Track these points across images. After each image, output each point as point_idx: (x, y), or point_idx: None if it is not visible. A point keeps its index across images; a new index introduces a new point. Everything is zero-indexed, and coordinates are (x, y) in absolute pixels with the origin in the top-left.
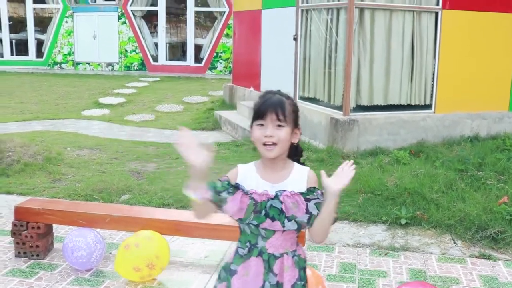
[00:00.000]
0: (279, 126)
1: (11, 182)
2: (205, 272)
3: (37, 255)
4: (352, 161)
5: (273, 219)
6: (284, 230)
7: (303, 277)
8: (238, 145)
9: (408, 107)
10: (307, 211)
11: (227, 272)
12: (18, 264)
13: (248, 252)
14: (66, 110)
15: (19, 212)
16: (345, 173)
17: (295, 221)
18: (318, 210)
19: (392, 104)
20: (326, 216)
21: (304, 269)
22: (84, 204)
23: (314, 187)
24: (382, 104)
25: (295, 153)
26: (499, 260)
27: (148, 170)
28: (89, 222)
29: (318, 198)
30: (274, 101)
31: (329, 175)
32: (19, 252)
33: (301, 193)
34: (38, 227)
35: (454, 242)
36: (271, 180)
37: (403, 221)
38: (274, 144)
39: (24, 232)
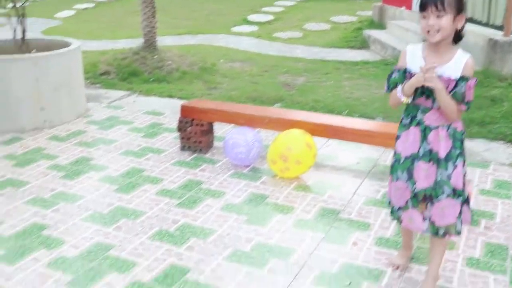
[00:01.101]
0: (439, 16)
1: (171, 87)
2: (356, 177)
3: (200, 150)
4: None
5: (427, 97)
6: (438, 108)
7: (458, 146)
8: (387, 63)
9: None
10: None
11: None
12: (183, 157)
13: (410, 122)
14: (216, 26)
15: (185, 110)
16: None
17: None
18: (457, 98)
19: None
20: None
21: (461, 140)
22: (244, 106)
23: (467, 77)
24: None
25: (456, 39)
26: None
27: (298, 83)
28: (249, 122)
29: (463, 87)
30: None
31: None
32: (183, 146)
33: (455, 79)
34: (202, 125)
35: None
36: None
37: None
38: (436, 31)
39: (189, 128)
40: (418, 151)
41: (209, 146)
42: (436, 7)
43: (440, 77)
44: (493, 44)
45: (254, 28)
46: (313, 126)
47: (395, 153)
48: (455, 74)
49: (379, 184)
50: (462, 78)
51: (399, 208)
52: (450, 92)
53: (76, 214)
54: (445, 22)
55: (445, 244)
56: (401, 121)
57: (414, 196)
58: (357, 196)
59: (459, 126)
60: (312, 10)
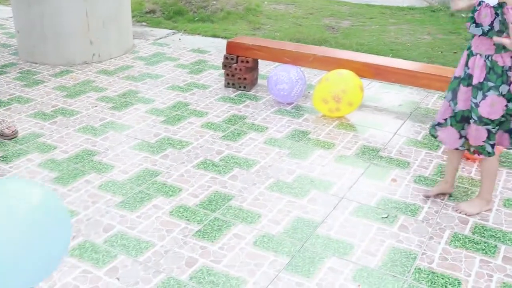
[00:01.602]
0: None
1: (216, 27)
2: (398, 118)
3: (244, 87)
4: None
5: (476, 25)
6: (479, 35)
7: (492, 79)
8: (434, 10)
9: None
10: (491, 24)
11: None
12: (227, 93)
13: (468, 47)
14: None
15: (231, 46)
16: None
17: (480, 28)
18: (500, 27)
19: None
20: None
21: (499, 75)
22: (289, 44)
23: (503, 1)
24: None
25: None
26: None
27: (342, 26)
28: (294, 59)
29: (503, 14)
30: None
31: None
32: (228, 83)
33: (493, 6)
34: (247, 61)
35: None
36: None
37: None
38: None
39: (234, 65)
40: (463, 72)
41: (253, 83)
42: None
43: (480, 4)
44: None
45: None
46: (359, 66)
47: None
48: (493, 1)
49: (420, 126)
50: (500, 4)
51: (438, 123)
52: (491, 20)
53: (124, 142)
54: None
55: (491, 167)
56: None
57: (454, 116)
58: (398, 136)
59: (501, 60)
60: None
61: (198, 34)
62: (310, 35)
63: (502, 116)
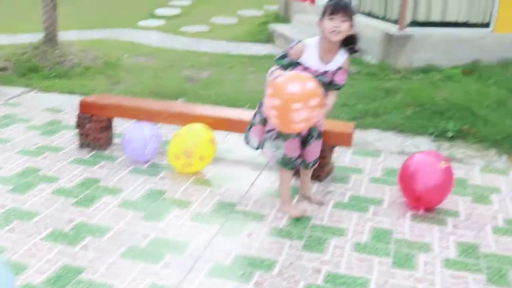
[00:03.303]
0: (344, 20)
1: (73, 83)
2: (255, 169)
3: (99, 147)
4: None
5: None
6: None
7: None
8: None
9: (466, 25)
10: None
11: None
12: (81, 154)
13: None
14: (123, 20)
15: (84, 105)
16: None
17: (326, 89)
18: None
19: (450, 21)
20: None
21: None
22: (143, 100)
23: (342, 67)
24: (439, 21)
25: (350, 41)
26: None
27: (202, 77)
28: (148, 116)
29: (339, 74)
30: (343, 3)
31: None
32: (82, 143)
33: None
34: (101, 120)
35: (499, 157)
36: (324, 60)
37: (449, 134)
38: (339, 32)
39: (88, 124)
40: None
41: (108, 142)
42: (344, 13)
43: (327, 72)
44: (388, 37)
45: (161, 22)
46: (213, 120)
47: None
48: (336, 68)
49: (276, 176)
50: (339, 68)
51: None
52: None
53: None
54: (347, 26)
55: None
56: None
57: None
58: (254, 188)
59: None
60: (219, 4)
61: (54, 91)
62: (169, 88)
63: None
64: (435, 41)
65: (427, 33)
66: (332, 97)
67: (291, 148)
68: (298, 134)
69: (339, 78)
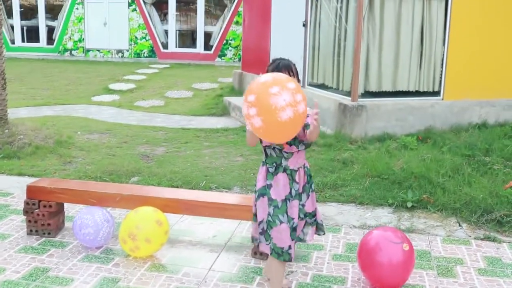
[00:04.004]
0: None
1: (22, 164)
2: (213, 251)
3: (49, 233)
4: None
5: (290, 145)
6: (298, 151)
7: (309, 181)
8: (245, 130)
9: (417, 93)
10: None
11: (265, 189)
12: (30, 242)
13: (275, 170)
14: (76, 96)
15: (31, 191)
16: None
17: (302, 143)
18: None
19: (401, 90)
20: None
21: (310, 175)
22: (95, 183)
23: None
24: (391, 90)
25: None
26: (504, 242)
27: (157, 153)
28: (100, 201)
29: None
30: (286, 63)
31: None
32: (31, 230)
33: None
34: (50, 206)
35: (460, 225)
36: None
37: (409, 204)
38: None
39: (36, 210)
40: (290, 191)
41: (59, 228)
42: (288, 73)
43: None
44: (343, 108)
45: (115, 97)
46: (165, 202)
47: (271, 200)
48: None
49: (235, 257)
50: (306, 125)
51: (289, 247)
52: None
53: None
54: None
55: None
56: (267, 171)
57: (293, 230)
58: (213, 272)
59: (308, 164)
60: (174, 78)
61: (2, 173)
62: (123, 166)
63: None
64: (388, 110)
65: (380, 102)
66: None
67: (278, 238)
68: (291, 221)
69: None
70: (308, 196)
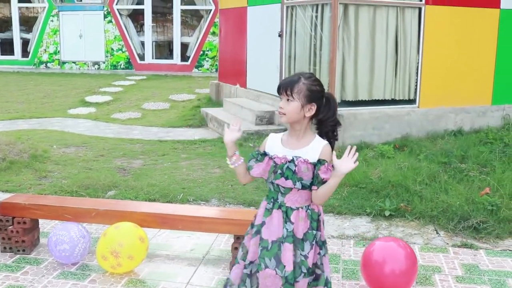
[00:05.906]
0: (288, 100)
1: None
2: (191, 265)
3: (23, 250)
4: (355, 147)
5: (286, 178)
6: (298, 189)
7: (315, 227)
8: (224, 141)
9: (393, 102)
10: (313, 178)
11: (261, 226)
12: (4, 259)
13: (272, 206)
14: (52, 109)
15: (4, 207)
16: (349, 158)
17: (300, 182)
18: (318, 180)
19: (377, 99)
20: (328, 188)
21: (317, 221)
22: (70, 199)
23: (324, 160)
24: (367, 99)
25: (322, 127)
26: (481, 249)
27: (134, 166)
28: (75, 216)
29: (324, 169)
30: (286, 81)
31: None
32: (4, 248)
33: (312, 162)
34: (24, 222)
35: (437, 233)
36: (291, 146)
37: (387, 213)
38: (284, 114)
39: (10, 227)
40: (283, 233)
41: (34, 244)
42: (286, 92)
43: (297, 158)
44: None
45: (92, 109)
46: (142, 217)
47: (261, 240)
48: (313, 158)
49: (213, 270)
50: (319, 161)
51: None
52: (312, 175)
53: None
54: (291, 107)
55: None
56: (265, 207)
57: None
58: (191, 286)
59: (316, 207)
60: (151, 89)
61: None
62: (100, 180)
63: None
64: (364, 119)
65: (357, 111)
66: (325, 188)
67: (264, 286)
68: (283, 270)
69: (325, 176)
70: (311, 246)
